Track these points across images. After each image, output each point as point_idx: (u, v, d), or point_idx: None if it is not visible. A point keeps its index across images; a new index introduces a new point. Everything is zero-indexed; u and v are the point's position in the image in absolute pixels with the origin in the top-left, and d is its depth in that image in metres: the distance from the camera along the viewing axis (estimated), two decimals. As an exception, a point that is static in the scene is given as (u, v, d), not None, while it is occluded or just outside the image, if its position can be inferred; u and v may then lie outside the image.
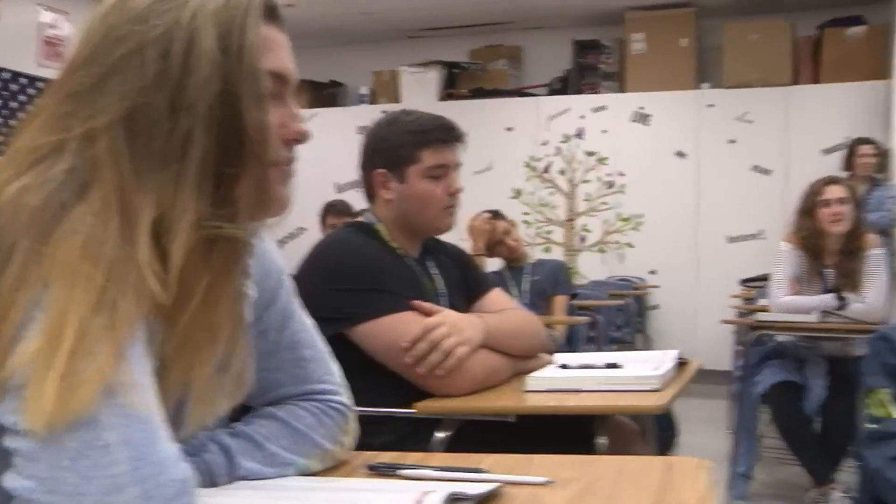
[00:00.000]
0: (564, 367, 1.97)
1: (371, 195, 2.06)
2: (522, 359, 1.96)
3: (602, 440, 1.79)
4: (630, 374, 1.83)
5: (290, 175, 0.93)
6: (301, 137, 0.92)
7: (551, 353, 2.11)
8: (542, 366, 1.99)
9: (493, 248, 4.45)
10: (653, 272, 6.91)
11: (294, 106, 0.93)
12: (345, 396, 1.12)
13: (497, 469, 1.04)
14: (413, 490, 0.88)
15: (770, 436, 3.90)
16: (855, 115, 6.42)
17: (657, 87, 6.95)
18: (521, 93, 7.52)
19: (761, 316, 3.82)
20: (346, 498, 0.93)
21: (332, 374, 1.12)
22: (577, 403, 1.78)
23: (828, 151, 6.39)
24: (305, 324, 1.12)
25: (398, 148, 2.00)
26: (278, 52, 0.91)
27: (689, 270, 6.85)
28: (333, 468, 1.09)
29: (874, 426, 1.83)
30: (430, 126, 2.02)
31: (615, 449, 1.82)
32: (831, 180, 3.71)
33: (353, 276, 1.86)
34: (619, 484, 1.03)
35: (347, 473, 1.08)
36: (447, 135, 2.02)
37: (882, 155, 5.90)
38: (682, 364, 2.03)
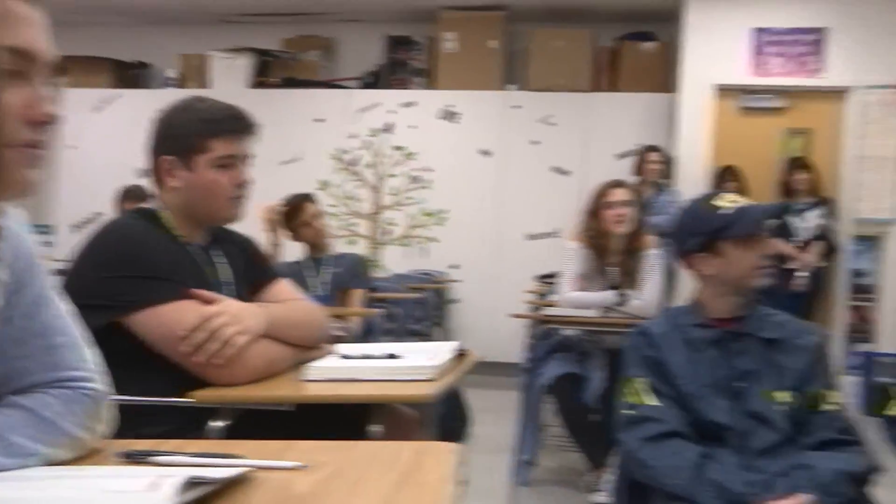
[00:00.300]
0: (346, 357, 2.00)
1: (158, 181, 2.02)
2: (304, 349, 1.98)
3: (376, 428, 1.83)
4: (406, 365, 1.89)
5: (37, 157, 0.91)
6: (48, 119, 0.90)
7: (335, 343, 2.14)
8: (324, 356, 2.02)
9: (298, 229, 4.39)
10: (455, 267, 7.07)
11: (42, 86, 0.90)
12: (98, 383, 1.11)
13: (256, 455, 1.05)
14: (154, 475, 0.88)
15: (553, 424, 4.10)
16: (645, 124, 6.83)
17: (466, 86, 7.11)
18: (332, 84, 7.50)
19: (548, 310, 4.02)
20: (83, 485, 0.92)
21: (85, 360, 1.10)
22: (353, 392, 1.82)
23: (621, 156, 6.75)
24: (60, 310, 1.09)
25: (188, 136, 1.97)
26: (24, 28, 0.88)
27: (489, 266, 7.05)
28: (85, 456, 1.08)
29: (631, 412, 1.98)
30: (221, 116, 2.00)
31: (393, 437, 1.87)
32: (616, 183, 3.95)
33: (130, 264, 1.81)
34: (370, 468, 1.07)
35: (99, 461, 1.07)
36: (238, 125, 2.01)
37: (667, 162, 6.33)
38: (461, 355, 2.11)
